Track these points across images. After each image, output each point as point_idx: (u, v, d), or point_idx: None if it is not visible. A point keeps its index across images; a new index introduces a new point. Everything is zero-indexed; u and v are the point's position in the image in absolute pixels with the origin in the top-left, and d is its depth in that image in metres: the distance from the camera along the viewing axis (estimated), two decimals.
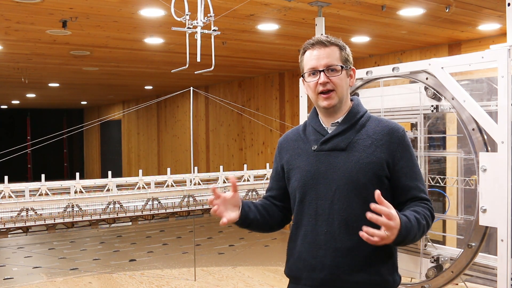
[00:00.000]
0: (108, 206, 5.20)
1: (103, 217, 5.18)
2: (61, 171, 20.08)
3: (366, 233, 1.58)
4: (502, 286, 2.41)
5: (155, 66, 8.30)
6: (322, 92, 1.84)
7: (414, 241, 1.74)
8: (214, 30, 3.21)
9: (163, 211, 5.56)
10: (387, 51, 7.17)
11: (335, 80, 1.83)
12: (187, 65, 3.26)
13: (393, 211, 1.59)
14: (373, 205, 1.57)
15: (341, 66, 1.84)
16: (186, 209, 5.69)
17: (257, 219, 1.90)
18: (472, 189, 2.70)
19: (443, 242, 2.99)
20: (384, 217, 1.57)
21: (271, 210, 1.97)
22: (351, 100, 1.94)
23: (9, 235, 4.77)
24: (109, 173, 5.53)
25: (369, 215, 1.57)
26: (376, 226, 1.59)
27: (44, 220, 4.86)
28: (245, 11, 4.68)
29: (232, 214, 1.81)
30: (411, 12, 4.84)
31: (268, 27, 5.42)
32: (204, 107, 11.61)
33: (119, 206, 5.26)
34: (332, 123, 1.89)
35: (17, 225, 4.73)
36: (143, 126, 14.89)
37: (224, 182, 5.99)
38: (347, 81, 1.88)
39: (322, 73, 1.82)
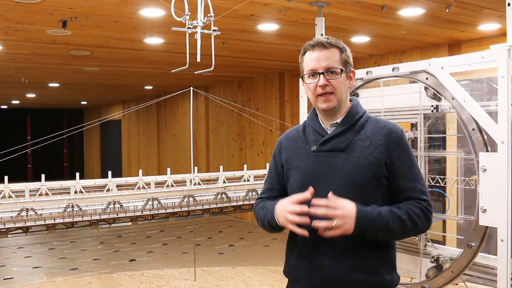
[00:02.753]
0: (108, 206, 5.20)
1: (103, 217, 5.18)
2: (61, 171, 20.08)
3: (318, 228, 1.68)
4: (502, 286, 2.41)
5: (155, 66, 8.30)
6: (321, 94, 1.84)
7: (390, 233, 1.73)
8: (214, 30, 3.21)
9: (163, 211, 5.55)
10: (387, 51, 7.17)
11: (334, 83, 1.82)
12: (187, 65, 3.26)
13: (339, 201, 1.68)
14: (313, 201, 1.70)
15: (341, 69, 1.83)
16: (186, 209, 5.68)
17: None
18: (472, 189, 2.70)
19: (443, 242, 2.99)
20: (328, 208, 1.67)
21: None
22: (350, 100, 1.94)
23: (9, 235, 4.77)
24: (109, 173, 5.53)
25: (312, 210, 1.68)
26: None
27: (44, 220, 4.85)
28: (245, 11, 4.68)
29: None
30: (411, 12, 4.84)
31: (268, 27, 5.42)
32: (204, 107, 11.61)
33: (119, 206, 5.26)
34: (331, 124, 1.89)
35: (17, 225, 4.73)
36: (143, 126, 14.89)
37: (224, 182, 5.98)
38: (347, 83, 1.88)
39: (321, 76, 1.82)
